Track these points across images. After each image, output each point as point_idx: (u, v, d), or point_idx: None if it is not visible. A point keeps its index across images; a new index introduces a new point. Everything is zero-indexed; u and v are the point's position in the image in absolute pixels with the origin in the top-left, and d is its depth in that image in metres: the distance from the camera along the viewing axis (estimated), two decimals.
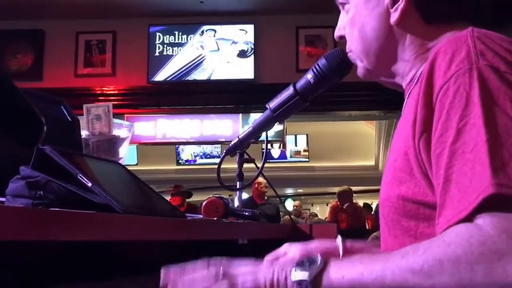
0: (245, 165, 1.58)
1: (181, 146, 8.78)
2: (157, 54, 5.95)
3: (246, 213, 1.47)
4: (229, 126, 6.13)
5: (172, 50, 5.97)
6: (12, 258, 0.67)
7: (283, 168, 9.63)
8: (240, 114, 6.10)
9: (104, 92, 5.81)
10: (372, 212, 8.49)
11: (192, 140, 6.40)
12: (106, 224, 0.79)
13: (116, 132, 1.59)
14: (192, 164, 9.22)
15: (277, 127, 5.95)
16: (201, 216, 1.42)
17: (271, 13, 5.78)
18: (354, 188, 7.24)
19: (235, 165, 1.58)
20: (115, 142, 1.56)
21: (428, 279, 0.60)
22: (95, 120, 1.57)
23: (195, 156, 9.17)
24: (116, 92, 5.83)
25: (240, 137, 1.46)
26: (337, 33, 0.99)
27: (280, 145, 9.04)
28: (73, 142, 1.34)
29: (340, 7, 0.97)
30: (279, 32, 5.88)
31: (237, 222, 1.44)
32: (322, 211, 12.34)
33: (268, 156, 8.97)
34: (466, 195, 0.62)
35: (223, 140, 6.14)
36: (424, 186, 0.73)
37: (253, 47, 5.89)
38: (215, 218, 1.36)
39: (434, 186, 0.70)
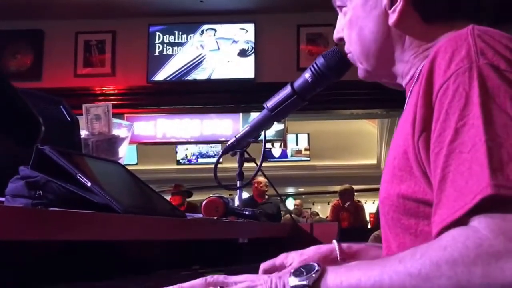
0: (246, 165, 1.58)
1: (178, 146, 8.79)
2: (157, 53, 5.95)
3: (246, 212, 1.47)
4: (229, 126, 6.13)
5: (172, 49, 5.97)
6: (12, 258, 0.67)
7: (284, 167, 9.64)
8: (241, 114, 6.10)
9: (103, 92, 5.81)
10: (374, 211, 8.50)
11: (192, 140, 6.41)
12: (105, 224, 0.79)
13: (115, 131, 1.59)
14: (192, 164, 9.22)
15: (278, 126, 5.96)
16: (201, 215, 1.42)
17: (272, 12, 5.78)
18: (355, 187, 7.24)
19: (236, 165, 1.58)
20: (114, 142, 1.56)
21: (426, 283, 0.60)
22: (95, 120, 1.57)
23: (191, 156, 9.18)
24: (115, 92, 5.83)
25: (237, 136, 1.46)
26: (336, 35, 0.98)
27: (281, 144, 9.03)
28: (73, 142, 1.34)
29: (338, 9, 0.97)
30: (280, 31, 5.88)
31: (237, 221, 1.44)
32: (323, 210, 12.35)
33: (267, 156, 8.98)
34: (462, 195, 0.62)
35: (223, 139, 6.14)
36: (424, 184, 0.73)
37: (253, 46, 5.88)
38: (215, 218, 1.36)
39: (432, 185, 0.69)
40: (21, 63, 5.88)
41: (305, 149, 9.81)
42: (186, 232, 1.05)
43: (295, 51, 5.81)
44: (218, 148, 8.78)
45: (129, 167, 1.20)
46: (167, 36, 5.97)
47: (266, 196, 5.85)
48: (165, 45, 5.96)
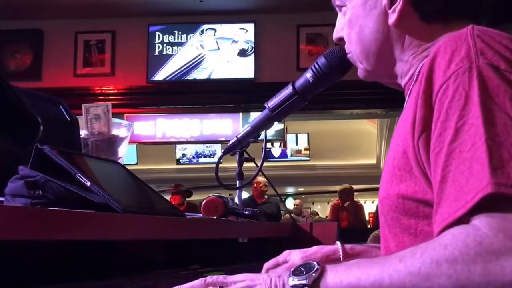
0: (245, 164, 1.58)
1: (176, 146, 8.80)
2: (156, 53, 5.95)
3: (246, 212, 1.47)
4: (229, 126, 6.13)
5: (172, 49, 5.97)
6: (11, 258, 0.67)
7: (284, 167, 9.64)
8: (240, 113, 6.10)
9: (103, 91, 5.81)
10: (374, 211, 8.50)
11: (192, 140, 6.41)
12: (105, 224, 0.79)
13: (115, 131, 1.59)
14: (192, 164, 9.22)
15: (278, 126, 5.95)
16: (200, 215, 1.42)
17: (272, 12, 5.78)
18: (355, 187, 7.25)
19: (235, 164, 1.57)
20: (114, 141, 1.55)
21: (426, 281, 0.60)
22: (94, 120, 1.57)
23: (190, 155, 9.18)
24: (115, 91, 5.83)
25: (238, 136, 1.46)
26: (336, 35, 0.99)
27: (280, 144, 9.02)
28: (72, 142, 1.34)
29: (337, 9, 0.97)
30: (280, 31, 5.88)
31: (236, 220, 1.44)
32: (323, 209, 12.36)
33: (268, 155, 8.98)
34: (463, 194, 0.62)
35: (223, 139, 6.14)
36: (424, 184, 0.73)
37: (253, 46, 5.89)
38: (215, 217, 1.36)
39: (433, 185, 0.69)
40: (21, 62, 5.88)
41: (305, 149, 9.81)
42: (185, 231, 1.05)
43: (295, 51, 5.81)
44: (214, 147, 8.80)
45: (129, 167, 1.20)
46: (167, 36, 5.97)
47: (266, 196, 5.85)
48: (164, 45, 5.96)
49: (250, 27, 5.93)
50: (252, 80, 5.81)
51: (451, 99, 0.68)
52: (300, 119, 7.36)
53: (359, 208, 6.95)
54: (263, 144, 1.48)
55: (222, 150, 1.53)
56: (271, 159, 9.30)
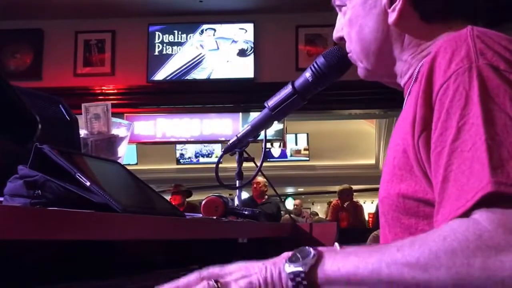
0: (245, 164, 1.58)
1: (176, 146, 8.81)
2: (156, 53, 5.95)
3: (246, 212, 1.47)
4: (229, 125, 6.13)
5: (172, 49, 5.97)
6: (10, 258, 0.67)
7: (283, 167, 9.64)
8: (240, 113, 6.10)
9: (103, 91, 5.81)
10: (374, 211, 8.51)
11: (192, 139, 6.41)
12: (104, 224, 0.78)
13: (114, 131, 1.58)
14: (192, 164, 9.22)
15: (277, 126, 5.96)
16: (200, 215, 1.42)
17: (271, 12, 5.78)
18: (354, 187, 7.25)
19: (235, 164, 1.57)
20: (114, 141, 1.55)
21: (424, 272, 0.60)
22: (94, 119, 1.57)
23: (188, 155, 9.19)
24: (115, 91, 5.83)
25: (238, 135, 1.46)
26: (336, 35, 0.99)
27: (280, 144, 9.04)
28: (72, 141, 1.34)
29: (337, 9, 0.98)
30: (279, 31, 5.88)
31: (236, 221, 1.44)
32: (322, 210, 12.35)
33: (268, 155, 8.98)
34: (464, 193, 0.62)
35: (222, 139, 6.14)
36: (424, 183, 0.73)
37: (252, 46, 5.89)
38: (215, 217, 1.36)
39: (433, 185, 0.69)
40: (21, 62, 5.87)
41: (304, 149, 9.82)
42: (185, 231, 1.05)
43: (294, 52, 5.82)
44: (213, 146, 8.80)
45: (129, 167, 1.20)
46: (167, 35, 5.97)
47: (266, 196, 5.85)
48: (164, 45, 5.96)
49: (250, 27, 5.93)
50: (252, 80, 5.81)
51: (452, 99, 0.68)
52: (299, 119, 7.36)
53: (358, 208, 6.95)
54: (263, 144, 1.48)
55: (222, 150, 1.53)
56: (270, 159, 9.30)
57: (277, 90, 1.34)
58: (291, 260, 0.69)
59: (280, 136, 6.39)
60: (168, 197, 5.89)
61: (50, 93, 1.42)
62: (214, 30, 5.98)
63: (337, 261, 0.66)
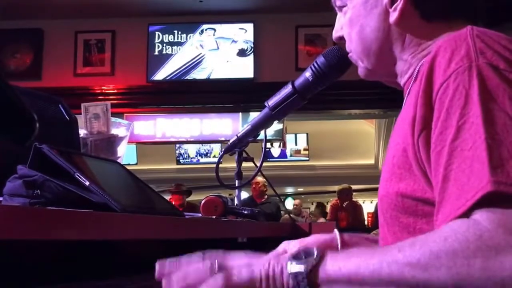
0: (245, 164, 1.58)
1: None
2: (156, 53, 5.95)
3: (245, 212, 1.47)
4: (229, 125, 6.13)
5: (172, 49, 5.97)
6: (9, 258, 0.66)
7: (283, 167, 9.64)
8: (240, 113, 6.10)
9: (103, 91, 5.81)
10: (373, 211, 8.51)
11: (191, 139, 6.40)
12: (103, 223, 0.78)
13: (114, 131, 1.58)
14: (192, 164, 9.22)
15: (277, 126, 5.96)
16: (200, 214, 1.42)
17: (271, 12, 5.78)
18: (354, 187, 7.24)
19: (235, 164, 1.57)
20: (113, 141, 1.55)
21: (425, 272, 0.60)
22: (93, 119, 1.57)
23: (187, 154, 9.19)
24: (115, 91, 5.83)
25: (238, 135, 1.46)
26: (335, 34, 0.99)
27: (280, 144, 9.04)
28: (71, 141, 1.34)
29: (337, 9, 0.98)
30: (279, 31, 5.88)
31: (236, 220, 1.44)
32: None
33: (268, 155, 8.96)
34: (464, 193, 0.62)
35: (222, 139, 6.14)
36: (423, 183, 0.73)
37: (252, 46, 5.89)
38: (214, 217, 1.36)
39: (433, 184, 0.69)
40: (21, 62, 5.87)
41: (304, 149, 9.81)
42: (184, 231, 1.05)
43: (293, 52, 5.82)
44: (211, 145, 8.80)
45: (128, 167, 1.20)
46: (167, 35, 5.97)
47: (266, 196, 5.85)
48: (164, 45, 5.96)
49: (250, 27, 5.93)
50: (252, 80, 5.81)
51: (452, 98, 0.68)
52: (299, 119, 7.36)
53: (358, 208, 6.95)
54: (263, 144, 1.48)
55: (222, 149, 1.53)
56: (270, 159, 9.30)
57: (277, 90, 1.34)
58: (294, 258, 0.69)
59: (280, 136, 6.39)
60: (168, 197, 5.89)
61: (50, 93, 1.42)
62: (214, 30, 5.98)
63: (339, 261, 0.67)
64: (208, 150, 9.01)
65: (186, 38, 5.98)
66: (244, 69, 5.86)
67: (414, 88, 0.78)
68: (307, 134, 9.66)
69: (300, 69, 5.44)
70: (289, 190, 12.84)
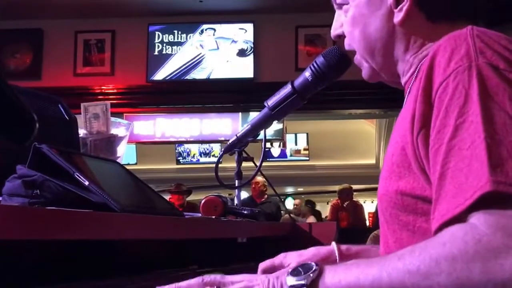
0: (244, 164, 1.57)
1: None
2: (156, 53, 5.95)
3: (245, 212, 1.47)
4: (228, 125, 6.13)
5: (172, 49, 5.96)
6: (9, 258, 0.66)
7: (283, 166, 9.64)
8: (240, 113, 6.10)
9: (103, 91, 5.81)
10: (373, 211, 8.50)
11: (191, 139, 6.40)
12: (103, 223, 0.78)
13: (114, 130, 1.58)
14: (192, 163, 9.22)
15: (277, 125, 5.96)
16: (199, 214, 1.42)
17: (271, 12, 5.78)
18: (354, 187, 7.24)
19: (234, 164, 1.57)
20: (113, 141, 1.55)
21: (425, 279, 0.60)
22: (93, 119, 1.56)
23: (186, 154, 9.19)
24: (115, 91, 5.83)
25: (238, 135, 1.45)
26: (334, 32, 0.99)
27: (280, 143, 9.03)
28: (71, 141, 1.34)
29: (337, 7, 0.97)
30: (279, 31, 5.88)
31: (235, 220, 1.44)
32: (322, 209, 12.34)
33: (268, 155, 8.96)
34: (461, 191, 0.62)
35: (222, 139, 6.14)
36: (422, 181, 0.73)
37: (252, 46, 5.89)
38: (214, 217, 1.36)
39: (431, 182, 0.69)
40: (21, 62, 5.87)
41: (304, 149, 9.81)
42: (184, 231, 1.04)
43: (293, 52, 5.81)
44: (210, 145, 8.80)
45: (128, 167, 1.20)
46: (167, 35, 5.97)
47: (266, 196, 5.85)
48: (164, 45, 5.96)
49: (249, 27, 5.93)
50: (251, 80, 5.81)
51: (451, 97, 0.68)
52: (299, 119, 7.36)
53: (358, 208, 6.94)
54: (263, 144, 1.47)
55: (222, 149, 1.53)
56: (270, 159, 9.30)
57: (277, 90, 1.34)
58: (293, 274, 0.70)
59: (280, 136, 6.38)
60: (167, 197, 5.89)
61: (50, 93, 1.42)
62: (214, 30, 5.98)
63: (338, 273, 0.67)
64: (209, 150, 9.01)
65: (186, 38, 5.98)
66: (244, 69, 5.86)
67: (414, 87, 0.78)
68: (307, 134, 9.66)
69: (300, 69, 5.44)
70: (289, 190, 12.84)
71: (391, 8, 0.88)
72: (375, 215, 7.24)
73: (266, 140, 1.47)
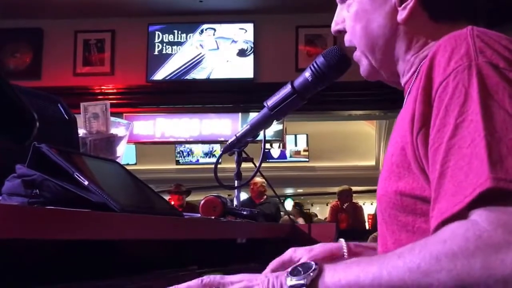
0: (244, 165, 1.57)
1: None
2: (156, 53, 5.95)
3: (244, 212, 1.46)
4: (228, 125, 6.13)
5: (171, 49, 5.96)
6: (8, 257, 0.66)
7: (283, 168, 9.63)
8: (240, 113, 6.10)
9: (103, 91, 5.80)
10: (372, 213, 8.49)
11: (191, 139, 6.40)
12: (102, 223, 0.78)
13: (113, 130, 1.58)
14: (192, 164, 9.21)
15: (277, 126, 5.96)
16: (199, 215, 1.42)
17: (271, 12, 5.78)
18: (354, 188, 7.24)
19: (234, 165, 1.57)
20: (112, 140, 1.55)
21: (425, 277, 0.60)
22: (93, 119, 1.56)
23: (186, 154, 9.19)
24: (115, 91, 5.83)
25: (237, 135, 1.45)
26: (334, 27, 0.98)
27: (280, 145, 9.03)
28: (70, 141, 1.34)
29: (339, 1, 0.97)
30: (279, 31, 5.88)
31: (235, 221, 1.44)
32: (322, 211, 12.34)
33: (267, 156, 8.94)
34: (461, 189, 0.62)
35: (222, 139, 6.14)
36: (422, 181, 0.73)
37: (252, 46, 5.88)
38: (213, 217, 1.36)
39: (430, 181, 0.69)
40: (20, 61, 5.87)
41: (304, 150, 9.80)
42: (183, 231, 1.04)
43: (293, 52, 5.81)
44: (211, 146, 8.80)
45: (128, 167, 1.19)
46: (167, 35, 5.97)
47: (265, 196, 5.85)
48: (164, 45, 5.96)
49: (250, 27, 5.93)
50: (251, 80, 5.81)
51: (451, 96, 0.68)
52: (299, 120, 7.35)
53: (358, 209, 6.94)
54: (262, 145, 1.47)
55: (221, 149, 1.53)
56: (270, 160, 9.29)
57: (277, 90, 1.34)
58: (292, 274, 0.70)
59: (280, 137, 6.38)
60: (167, 197, 5.88)
61: (50, 92, 1.42)
62: (214, 30, 5.98)
63: (338, 272, 0.67)
64: (209, 150, 9.00)
65: (186, 38, 5.98)
66: (244, 69, 5.86)
67: (414, 87, 0.78)
68: (307, 135, 9.65)
69: (300, 69, 5.43)
70: (289, 191, 12.83)
71: (395, 6, 0.88)
72: (374, 217, 7.24)
73: (266, 141, 1.47)
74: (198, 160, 9.17)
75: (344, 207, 6.69)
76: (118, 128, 1.61)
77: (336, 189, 7.12)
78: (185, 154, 9.15)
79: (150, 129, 6.18)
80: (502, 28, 0.85)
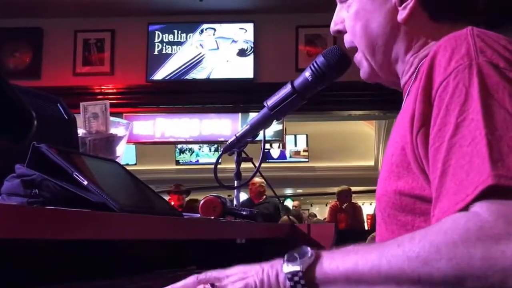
0: (244, 165, 1.57)
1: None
2: (156, 52, 5.94)
3: (244, 212, 1.46)
4: (228, 126, 6.12)
5: (171, 48, 5.96)
6: (7, 257, 0.66)
7: (282, 168, 9.63)
8: (240, 114, 6.10)
9: (102, 90, 5.80)
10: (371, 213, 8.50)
11: (191, 140, 6.40)
12: (102, 223, 0.78)
13: (113, 130, 1.58)
14: (192, 164, 9.21)
15: (277, 127, 5.96)
16: (198, 215, 1.42)
17: (271, 12, 5.78)
18: (353, 188, 7.24)
19: (233, 165, 1.57)
20: (112, 140, 1.55)
21: (425, 265, 0.60)
22: (92, 119, 1.56)
23: (187, 154, 9.18)
24: (114, 90, 5.82)
25: (237, 135, 1.45)
26: (334, 27, 0.98)
27: (279, 145, 9.03)
28: (70, 141, 1.34)
29: (339, 1, 0.97)
30: (279, 31, 5.88)
31: (234, 221, 1.44)
32: (321, 211, 12.35)
33: (267, 156, 8.93)
34: (463, 188, 0.62)
35: (222, 139, 6.13)
36: (421, 180, 0.73)
37: (252, 46, 5.88)
38: (213, 217, 1.36)
39: (431, 180, 0.69)
40: (20, 61, 5.87)
41: (304, 150, 9.81)
42: (183, 231, 1.04)
43: (293, 52, 5.81)
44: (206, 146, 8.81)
45: (128, 167, 1.19)
46: (167, 35, 5.97)
47: (264, 197, 5.84)
48: (164, 44, 5.96)
49: (250, 27, 5.92)
50: (251, 80, 5.81)
51: (452, 95, 0.68)
52: (299, 120, 7.36)
53: (357, 209, 6.95)
54: (262, 145, 1.47)
55: (221, 149, 1.53)
56: (270, 160, 9.30)
57: (277, 90, 1.34)
58: (288, 260, 0.69)
59: (280, 137, 6.38)
60: (167, 198, 5.88)
61: (49, 92, 1.42)
62: (214, 29, 5.98)
63: (336, 259, 0.66)
64: (204, 150, 9.00)
65: (186, 38, 5.97)
66: (244, 69, 5.86)
67: (414, 87, 0.78)
68: (306, 135, 9.66)
69: (300, 69, 5.41)
70: (289, 191, 12.84)
71: (395, 6, 0.88)
72: (373, 218, 7.24)
73: (266, 141, 1.47)
74: (198, 161, 9.17)
75: (343, 207, 6.69)
76: (118, 128, 1.61)
77: (335, 189, 7.12)
78: (185, 154, 9.14)
79: (150, 129, 6.17)
80: (501, 29, 0.85)
